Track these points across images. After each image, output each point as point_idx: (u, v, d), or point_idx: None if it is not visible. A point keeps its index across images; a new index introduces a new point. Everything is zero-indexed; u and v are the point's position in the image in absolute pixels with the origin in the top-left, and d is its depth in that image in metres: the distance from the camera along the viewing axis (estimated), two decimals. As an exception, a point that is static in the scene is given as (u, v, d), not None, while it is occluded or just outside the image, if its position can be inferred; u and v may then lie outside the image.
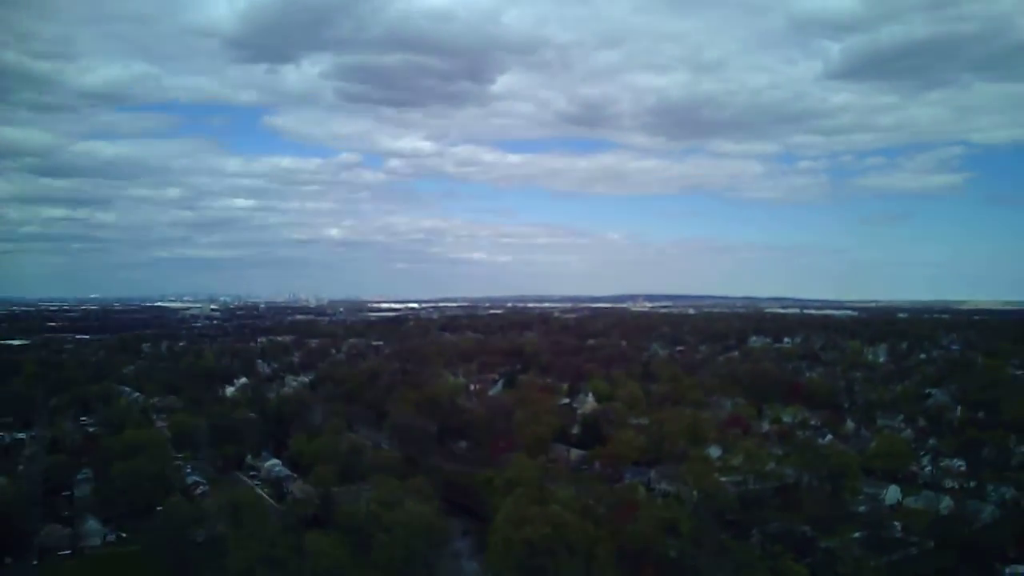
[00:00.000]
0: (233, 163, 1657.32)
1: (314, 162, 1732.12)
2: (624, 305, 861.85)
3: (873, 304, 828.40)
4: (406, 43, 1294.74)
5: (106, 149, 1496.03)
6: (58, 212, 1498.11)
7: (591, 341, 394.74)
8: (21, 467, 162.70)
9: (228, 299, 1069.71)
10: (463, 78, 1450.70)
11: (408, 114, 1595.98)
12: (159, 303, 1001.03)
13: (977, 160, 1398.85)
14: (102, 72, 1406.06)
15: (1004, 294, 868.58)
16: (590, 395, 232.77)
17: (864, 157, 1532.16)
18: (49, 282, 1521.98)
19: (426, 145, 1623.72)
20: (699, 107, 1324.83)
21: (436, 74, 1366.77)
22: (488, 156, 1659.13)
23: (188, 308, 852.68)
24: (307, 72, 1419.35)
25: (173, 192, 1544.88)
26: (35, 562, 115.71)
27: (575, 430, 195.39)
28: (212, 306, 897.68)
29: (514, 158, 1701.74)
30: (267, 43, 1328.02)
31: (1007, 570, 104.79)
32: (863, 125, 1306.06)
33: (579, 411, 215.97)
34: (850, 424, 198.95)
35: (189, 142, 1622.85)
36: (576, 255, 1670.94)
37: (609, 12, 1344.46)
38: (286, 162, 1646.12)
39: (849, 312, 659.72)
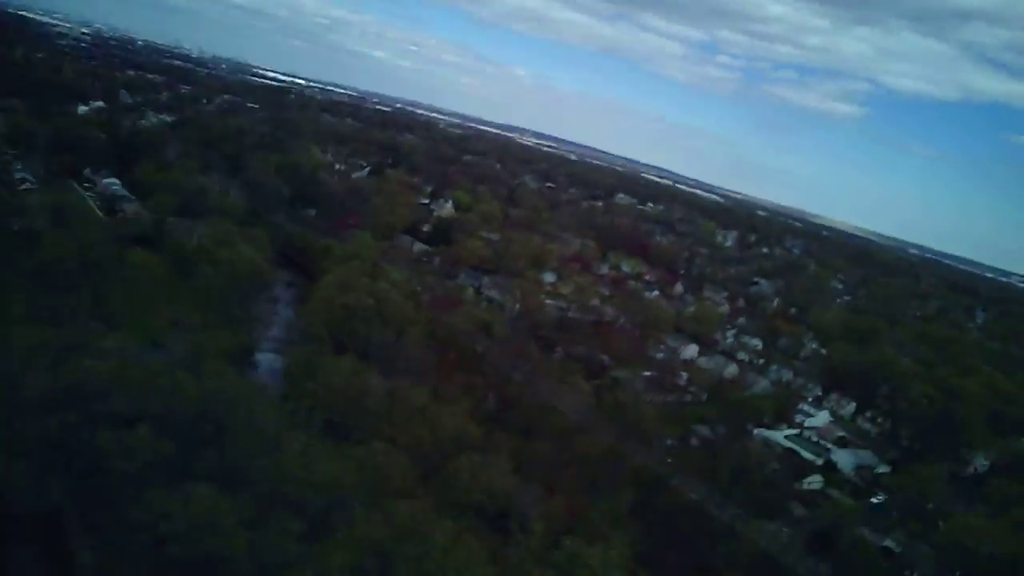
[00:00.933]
0: None
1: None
2: (511, 135, 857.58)
3: (740, 196, 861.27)
4: None
5: None
6: None
7: (467, 157, 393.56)
8: None
9: (103, 27, 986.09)
10: None
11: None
12: (24, 12, 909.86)
13: (880, 99, 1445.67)
14: None
15: (858, 220, 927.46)
16: (450, 202, 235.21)
17: (780, 68, 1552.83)
18: None
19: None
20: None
21: None
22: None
23: (56, 25, 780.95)
24: None
25: None
26: None
27: (426, 228, 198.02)
28: (83, 29, 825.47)
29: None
30: None
31: (756, 431, 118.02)
32: (789, 39, 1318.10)
33: (436, 213, 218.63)
34: (679, 288, 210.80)
35: None
36: (479, 79, 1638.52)
37: None
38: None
39: (716, 197, 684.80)
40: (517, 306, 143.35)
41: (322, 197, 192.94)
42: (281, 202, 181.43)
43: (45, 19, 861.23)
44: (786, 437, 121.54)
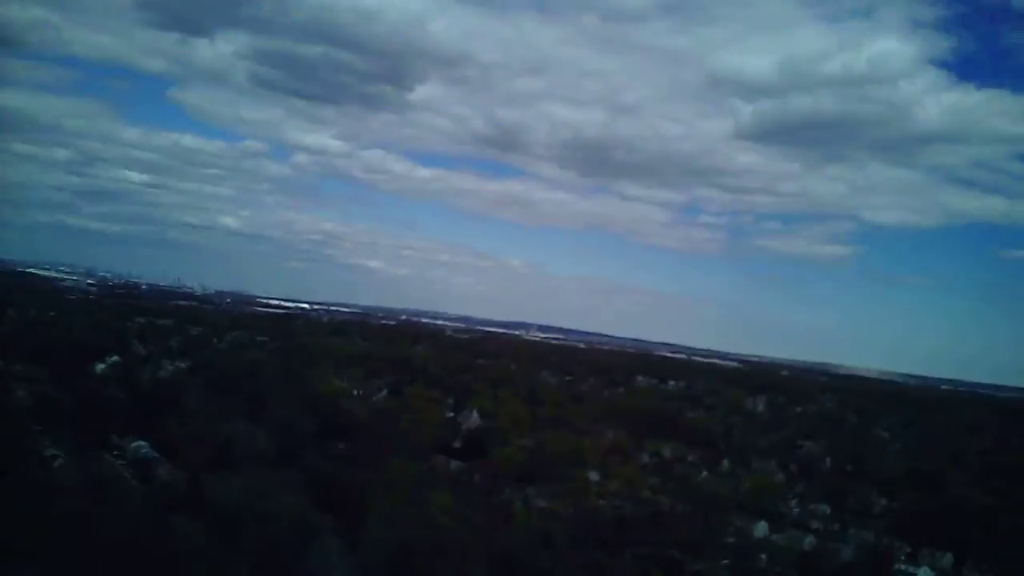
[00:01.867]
0: (130, 133, 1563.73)
1: (217, 144, 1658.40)
2: (517, 332, 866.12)
3: (757, 358, 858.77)
4: (328, 35, 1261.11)
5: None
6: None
7: (481, 361, 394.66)
8: None
9: (107, 275, 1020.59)
10: (382, 81, 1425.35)
11: (321, 109, 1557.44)
12: (31, 269, 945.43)
13: (866, 236, 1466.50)
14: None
15: (879, 363, 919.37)
16: (475, 412, 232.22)
17: (763, 220, 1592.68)
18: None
19: (336, 144, 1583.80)
20: (612, 147, 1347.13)
21: (355, 73, 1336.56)
22: (398, 166, 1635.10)
23: (62, 279, 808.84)
24: (221, 49, 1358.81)
25: (61, 153, 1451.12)
26: None
27: (457, 443, 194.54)
28: (89, 280, 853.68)
29: (424, 171, 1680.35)
30: (182, 11, 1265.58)
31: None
32: (765, 188, 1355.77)
33: (463, 426, 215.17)
34: (726, 464, 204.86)
35: (86, 104, 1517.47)
36: (475, 277, 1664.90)
37: (536, 39, 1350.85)
38: (187, 140, 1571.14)
39: (734, 363, 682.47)
40: (571, 511, 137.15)
41: (348, 427, 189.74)
42: (308, 439, 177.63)
43: (51, 274, 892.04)
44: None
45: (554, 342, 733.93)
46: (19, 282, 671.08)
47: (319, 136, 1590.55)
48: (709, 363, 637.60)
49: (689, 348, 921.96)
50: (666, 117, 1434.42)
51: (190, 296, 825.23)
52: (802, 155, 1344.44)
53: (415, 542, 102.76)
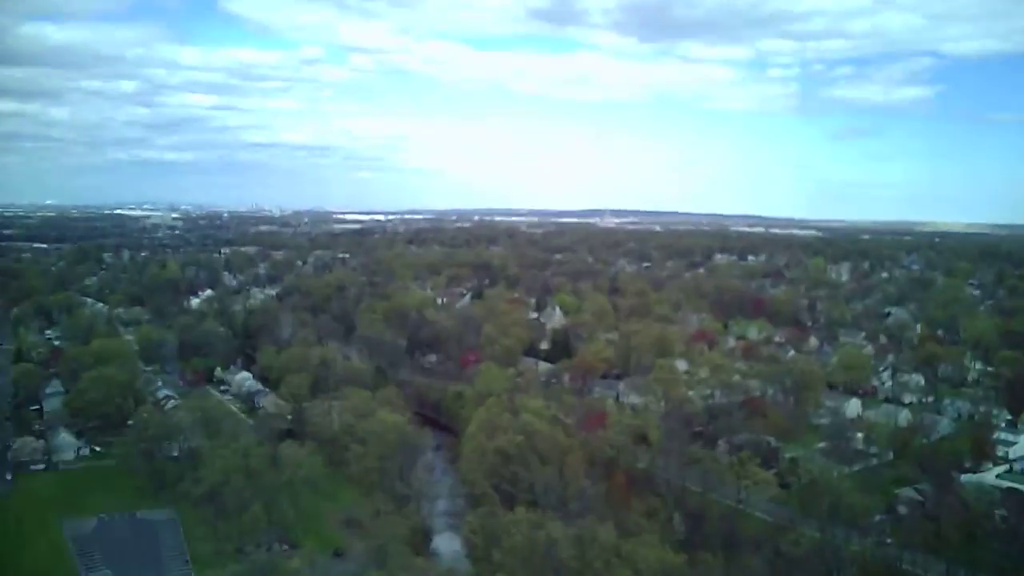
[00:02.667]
0: (190, 54, 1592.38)
1: (275, 55, 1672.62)
2: (591, 220, 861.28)
3: (837, 223, 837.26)
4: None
5: (55, 33, 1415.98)
6: (8, 105, 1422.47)
7: (558, 256, 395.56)
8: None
9: (190, 207, 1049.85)
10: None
11: (372, 2, 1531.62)
12: (118, 211, 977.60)
13: (947, 73, 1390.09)
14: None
15: (967, 216, 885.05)
16: (557, 309, 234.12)
17: (835, 66, 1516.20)
18: (2, 184, 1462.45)
19: (392, 41, 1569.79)
20: (670, 4, 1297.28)
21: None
22: (455, 52, 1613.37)
23: (149, 216, 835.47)
24: None
25: (127, 85, 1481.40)
26: (9, 477, 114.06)
27: (544, 344, 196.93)
28: (173, 215, 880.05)
29: (483, 56, 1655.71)
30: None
31: (962, 478, 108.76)
32: (835, 31, 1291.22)
33: (548, 325, 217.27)
34: (813, 340, 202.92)
35: (142, 28, 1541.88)
36: (542, 164, 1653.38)
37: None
38: (245, 54, 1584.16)
39: (813, 231, 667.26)
40: (663, 405, 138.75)
41: (436, 339, 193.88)
42: (400, 354, 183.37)
43: (138, 212, 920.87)
44: (998, 477, 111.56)
45: (629, 227, 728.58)
46: (110, 225, 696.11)
47: (374, 32, 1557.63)
48: (787, 233, 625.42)
49: (766, 219, 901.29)
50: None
51: (270, 221, 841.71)
52: None
53: (512, 449, 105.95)
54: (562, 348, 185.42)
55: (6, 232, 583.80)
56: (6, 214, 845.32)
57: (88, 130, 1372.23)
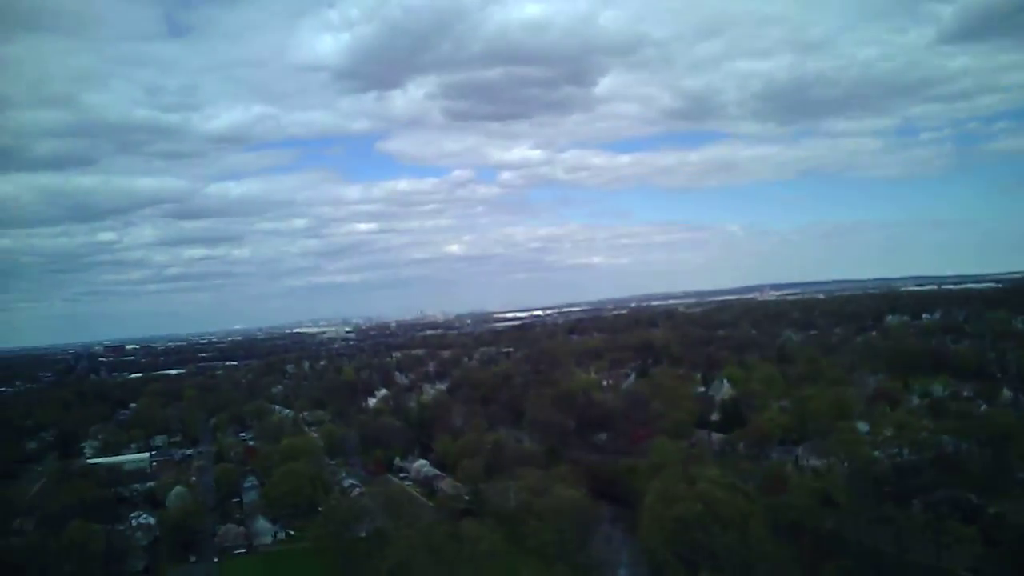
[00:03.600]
0: (352, 190, 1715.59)
1: (429, 181, 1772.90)
2: (750, 296, 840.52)
3: (1016, 274, 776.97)
4: (505, 56, 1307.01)
5: (235, 188, 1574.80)
6: (198, 252, 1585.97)
7: (720, 332, 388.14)
8: (194, 478, 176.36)
9: (360, 320, 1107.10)
10: (565, 84, 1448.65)
11: (514, 126, 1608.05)
12: (296, 329, 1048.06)
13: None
14: (225, 117, 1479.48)
15: None
16: (725, 382, 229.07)
17: (991, 121, 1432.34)
18: (197, 318, 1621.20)
19: (535, 154, 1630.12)
20: (807, 87, 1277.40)
21: (538, 83, 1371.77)
22: (597, 159, 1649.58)
23: (323, 331, 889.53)
24: (413, 95, 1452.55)
25: (299, 223, 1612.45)
26: (216, 559, 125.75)
27: (714, 416, 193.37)
28: (346, 328, 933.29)
29: (624, 158, 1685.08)
30: (373, 72, 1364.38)
31: None
32: (986, 87, 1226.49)
33: (716, 398, 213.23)
34: (1006, 393, 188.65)
35: (310, 174, 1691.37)
36: (695, 250, 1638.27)
37: (706, 2, 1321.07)
38: (402, 184, 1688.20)
39: (990, 284, 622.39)
40: (846, 466, 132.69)
41: (604, 417, 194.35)
42: (569, 434, 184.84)
43: (313, 329, 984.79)
44: None
45: (791, 298, 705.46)
46: (290, 342, 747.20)
47: (518, 150, 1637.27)
48: (963, 288, 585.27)
49: (937, 278, 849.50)
50: (859, 42, 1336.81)
51: (434, 324, 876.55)
52: (1014, 43, 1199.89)
53: (691, 516, 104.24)
54: (733, 418, 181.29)
55: (202, 355, 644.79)
56: (201, 341, 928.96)
57: (266, 264, 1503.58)
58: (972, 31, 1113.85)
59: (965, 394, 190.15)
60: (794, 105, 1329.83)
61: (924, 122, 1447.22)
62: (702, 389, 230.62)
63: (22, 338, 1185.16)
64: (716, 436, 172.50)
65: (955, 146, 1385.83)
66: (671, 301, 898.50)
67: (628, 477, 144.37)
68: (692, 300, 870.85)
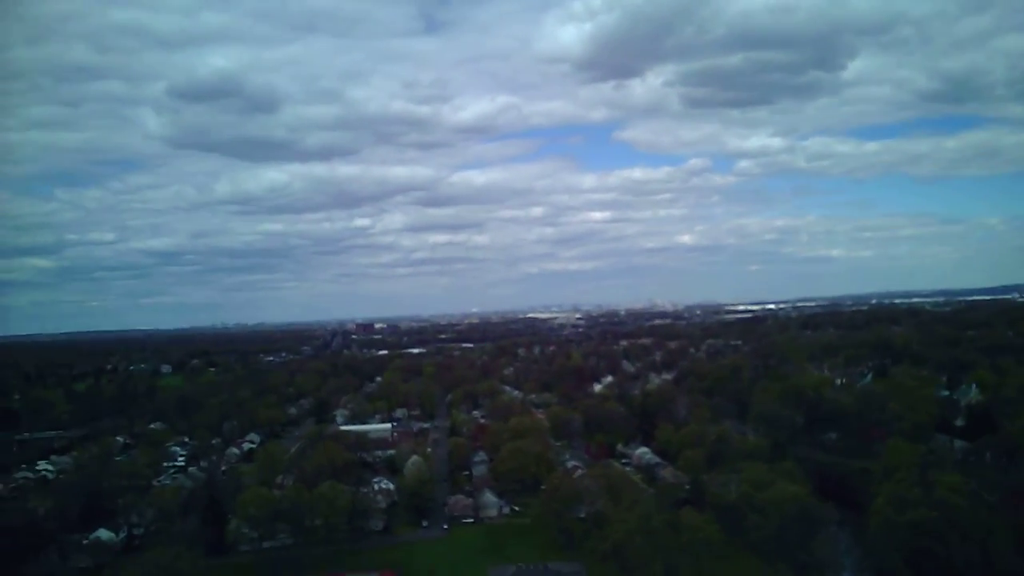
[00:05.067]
0: (588, 179, 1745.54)
1: (664, 170, 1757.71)
2: (1007, 297, 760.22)
3: None
4: (748, 41, 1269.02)
5: (478, 178, 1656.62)
6: (442, 238, 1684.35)
7: (970, 332, 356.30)
8: (429, 449, 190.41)
9: (590, 308, 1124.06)
10: (810, 68, 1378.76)
11: (754, 113, 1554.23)
12: (529, 314, 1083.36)
13: None
14: (472, 108, 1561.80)
15: None
16: (974, 386, 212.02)
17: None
18: (438, 300, 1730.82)
19: (775, 142, 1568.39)
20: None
21: (781, 68, 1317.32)
22: (842, 147, 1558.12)
23: (555, 317, 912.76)
24: (652, 83, 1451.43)
25: (536, 211, 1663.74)
26: (446, 526, 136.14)
27: (958, 421, 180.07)
28: (576, 315, 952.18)
29: (871, 146, 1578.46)
30: (613, 61, 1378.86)
31: None
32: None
33: (962, 402, 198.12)
34: None
35: (548, 163, 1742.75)
36: (947, 245, 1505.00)
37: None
38: (637, 173, 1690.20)
39: None
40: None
41: (836, 416, 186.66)
42: (798, 430, 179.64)
43: (545, 315, 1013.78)
44: None
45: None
46: (522, 326, 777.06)
47: (757, 138, 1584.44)
48: None
49: None
50: None
51: (662, 314, 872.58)
52: None
53: (925, 523, 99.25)
54: (981, 424, 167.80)
55: (441, 336, 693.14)
56: (441, 322, 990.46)
57: (503, 250, 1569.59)
58: None
59: None
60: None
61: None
62: (946, 392, 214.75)
63: (289, 314, 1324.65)
64: (959, 443, 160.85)
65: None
66: (916, 299, 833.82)
67: (858, 478, 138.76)
68: (940, 299, 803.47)
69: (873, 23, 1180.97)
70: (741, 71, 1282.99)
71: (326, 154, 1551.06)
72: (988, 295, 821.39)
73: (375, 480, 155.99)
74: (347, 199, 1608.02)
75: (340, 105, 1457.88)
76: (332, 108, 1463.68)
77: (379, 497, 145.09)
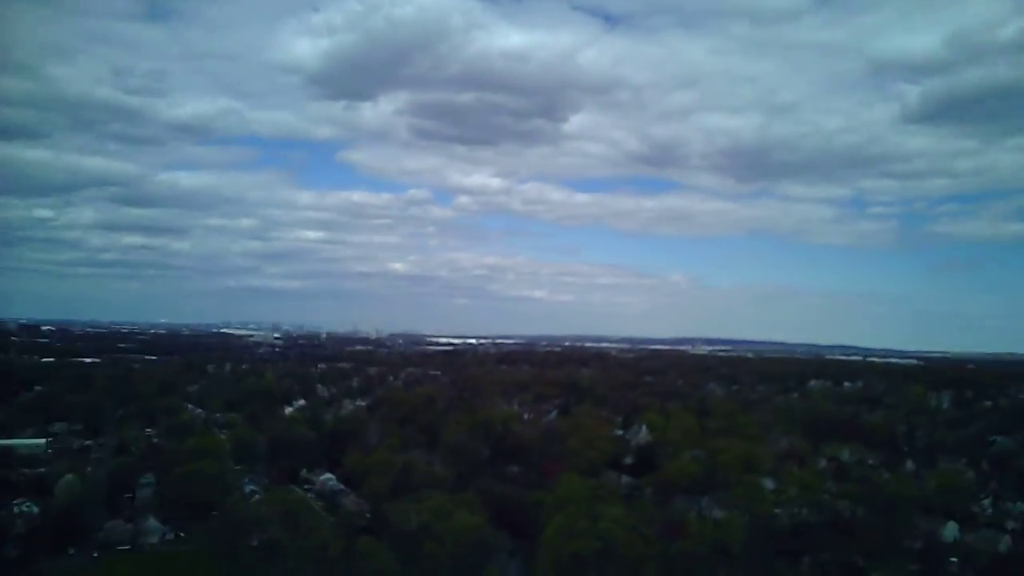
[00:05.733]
0: (306, 196, 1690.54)
1: (384, 197, 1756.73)
2: (682, 348, 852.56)
3: (939, 354, 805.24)
4: (481, 82, 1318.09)
5: (187, 180, 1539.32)
6: (136, 240, 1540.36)
7: (647, 378, 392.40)
8: (89, 468, 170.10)
9: (291, 328, 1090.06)
10: (536, 116, 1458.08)
11: (479, 152, 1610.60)
12: (224, 330, 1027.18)
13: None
14: (190, 106, 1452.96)
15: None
16: (644, 427, 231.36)
17: (938, 203, 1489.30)
18: (124, 306, 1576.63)
19: (495, 182, 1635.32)
20: (770, 149, 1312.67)
21: (509, 112, 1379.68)
22: (556, 195, 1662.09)
23: (252, 335, 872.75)
24: (383, 109, 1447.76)
25: (246, 223, 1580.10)
26: (95, 554, 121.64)
27: (628, 459, 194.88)
28: (275, 334, 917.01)
29: (582, 197, 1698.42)
30: (347, 81, 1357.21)
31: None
32: (939, 170, 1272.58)
33: (633, 442, 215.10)
34: (910, 464, 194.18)
35: (265, 175, 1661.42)
36: (637, 296, 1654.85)
37: (686, 53, 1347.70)
38: (357, 196, 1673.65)
39: (913, 361, 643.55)
40: (746, 519, 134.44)
41: (520, 449, 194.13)
42: (483, 463, 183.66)
43: (242, 331, 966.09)
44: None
45: (721, 354, 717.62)
46: (215, 341, 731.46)
47: (479, 176, 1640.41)
48: (886, 362, 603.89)
49: (864, 349, 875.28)
50: (826, 111, 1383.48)
51: (366, 340, 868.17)
52: (978, 131, 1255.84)
53: (588, 553, 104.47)
54: (646, 463, 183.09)
55: (121, 345, 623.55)
56: (123, 331, 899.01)
57: (205, 260, 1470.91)
58: (933, 114, 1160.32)
59: (871, 462, 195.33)
60: (755, 164, 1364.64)
61: (875, 196, 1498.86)
62: (620, 432, 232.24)
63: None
64: (627, 479, 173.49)
65: (900, 223, 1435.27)
66: (605, 344, 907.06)
67: (533, 510, 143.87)
68: (626, 345, 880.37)
69: (596, 83, 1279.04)
70: (472, 109, 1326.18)
71: (10, 133, 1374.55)
72: (667, 345, 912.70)
73: (16, 502, 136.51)
74: (28, 186, 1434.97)
75: (35, 82, 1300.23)
76: (24, 83, 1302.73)
77: (18, 521, 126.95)
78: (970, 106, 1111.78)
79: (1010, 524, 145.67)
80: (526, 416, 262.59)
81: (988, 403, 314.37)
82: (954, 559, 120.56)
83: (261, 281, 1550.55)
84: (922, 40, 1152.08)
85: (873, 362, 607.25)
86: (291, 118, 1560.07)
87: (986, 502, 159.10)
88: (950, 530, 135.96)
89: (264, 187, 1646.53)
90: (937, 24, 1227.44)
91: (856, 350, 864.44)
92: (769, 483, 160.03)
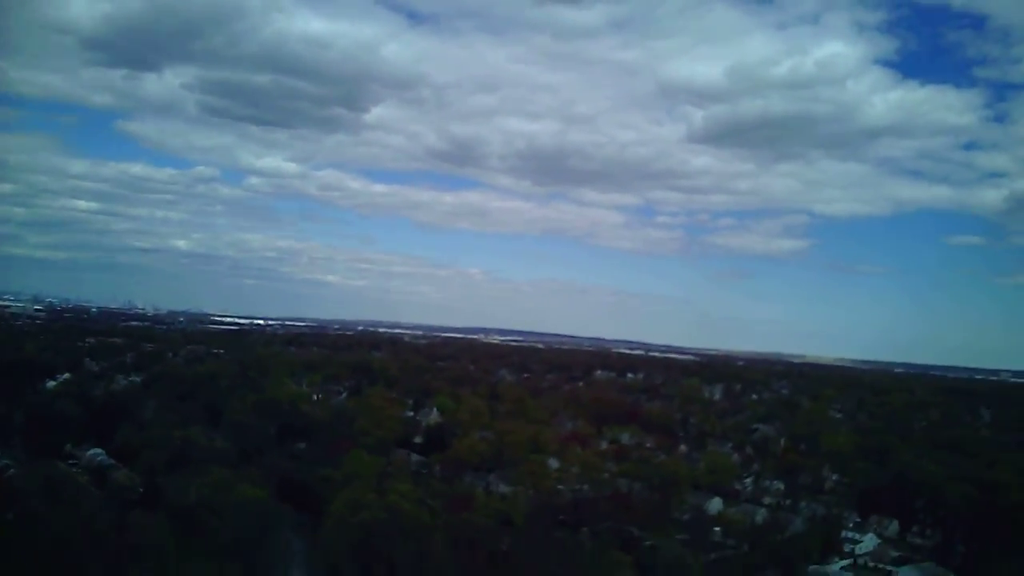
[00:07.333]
0: (78, 164, 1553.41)
1: (168, 172, 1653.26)
2: (476, 336, 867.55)
3: (715, 351, 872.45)
4: (279, 65, 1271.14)
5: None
6: None
7: (440, 363, 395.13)
8: None
9: (55, 301, 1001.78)
10: (336, 104, 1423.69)
11: (274, 133, 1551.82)
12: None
13: (818, 229, 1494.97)
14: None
15: (834, 350, 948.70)
16: (434, 409, 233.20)
17: (718, 217, 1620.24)
18: None
19: (290, 166, 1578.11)
20: (567, 156, 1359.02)
21: (307, 98, 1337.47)
22: (353, 183, 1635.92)
23: (9, 307, 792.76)
24: (169, 82, 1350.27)
25: (5, 187, 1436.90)
26: None
27: (418, 439, 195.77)
28: (36, 306, 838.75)
29: (380, 187, 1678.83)
30: (128, 48, 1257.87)
31: (809, 569, 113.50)
32: (720, 188, 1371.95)
33: (423, 422, 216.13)
34: (683, 447, 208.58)
35: (31, 138, 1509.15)
36: (433, 286, 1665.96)
37: (489, 58, 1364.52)
38: (137, 168, 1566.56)
39: (691, 357, 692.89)
40: (530, 494, 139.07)
41: (308, 427, 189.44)
42: (268, 440, 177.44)
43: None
44: (842, 569, 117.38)
45: (513, 344, 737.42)
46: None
47: (272, 159, 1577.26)
48: (666, 357, 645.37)
49: (647, 344, 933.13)
50: (620, 125, 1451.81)
51: (141, 316, 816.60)
52: (755, 155, 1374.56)
53: (376, 525, 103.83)
54: (436, 442, 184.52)
55: None
56: None
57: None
58: (716, 136, 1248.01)
59: (648, 445, 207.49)
60: (551, 169, 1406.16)
61: (662, 207, 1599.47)
62: (411, 413, 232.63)
63: None
64: (416, 458, 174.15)
65: (684, 233, 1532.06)
66: (399, 330, 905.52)
67: (320, 485, 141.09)
68: (420, 332, 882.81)
69: (399, 78, 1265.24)
70: (268, 92, 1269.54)
71: None
72: (461, 334, 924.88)
73: None
74: None
75: None
76: None
77: None
78: (748, 132, 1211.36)
79: (767, 500, 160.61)
80: (316, 396, 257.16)
81: (754, 396, 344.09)
82: (717, 528, 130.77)
83: (22, 250, 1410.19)
84: (707, 69, 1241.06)
85: (654, 356, 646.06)
86: (63, 81, 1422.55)
87: (748, 481, 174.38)
88: (715, 504, 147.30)
89: (28, 151, 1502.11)
90: (721, 57, 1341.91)
91: (640, 344, 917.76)
92: (554, 462, 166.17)
